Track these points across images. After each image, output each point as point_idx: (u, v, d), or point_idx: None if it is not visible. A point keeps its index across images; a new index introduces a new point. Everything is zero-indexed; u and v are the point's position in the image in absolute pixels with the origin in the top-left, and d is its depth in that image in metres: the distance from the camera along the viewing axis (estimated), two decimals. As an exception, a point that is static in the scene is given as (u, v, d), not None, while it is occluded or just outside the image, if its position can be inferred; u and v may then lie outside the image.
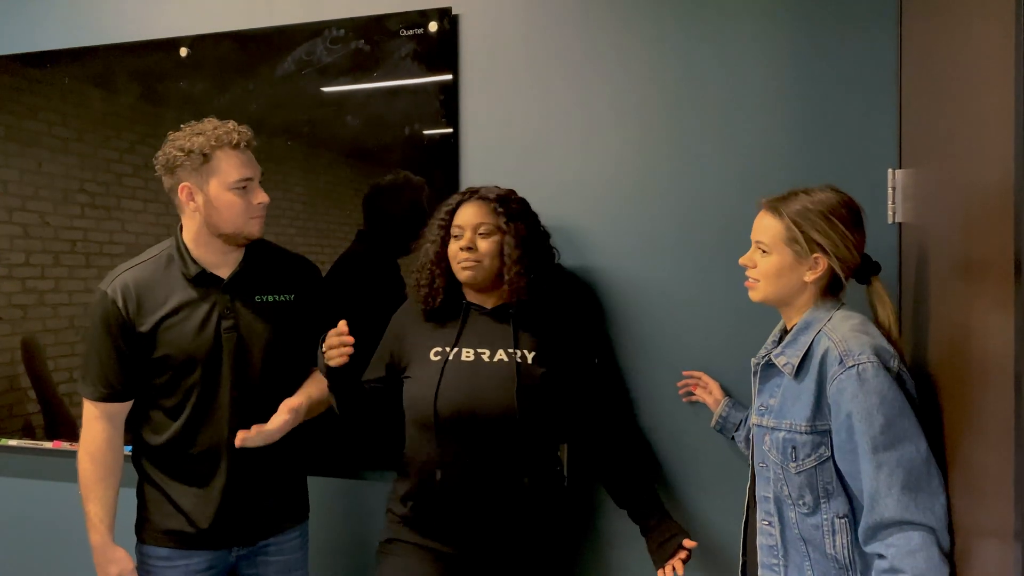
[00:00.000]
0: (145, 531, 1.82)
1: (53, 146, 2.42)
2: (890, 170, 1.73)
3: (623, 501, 1.83)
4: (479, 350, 1.76)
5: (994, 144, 1.02)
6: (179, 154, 1.71)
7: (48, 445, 2.42)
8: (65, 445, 2.40)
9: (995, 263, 1.02)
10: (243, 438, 1.68)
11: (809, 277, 1.43)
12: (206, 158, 1.70)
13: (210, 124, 1.74)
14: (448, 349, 1.76)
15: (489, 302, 1.81)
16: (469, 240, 1.74)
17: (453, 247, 1.77)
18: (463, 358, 1.75)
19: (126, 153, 2.35)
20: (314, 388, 1.85)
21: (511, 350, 1.75)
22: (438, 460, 1.72)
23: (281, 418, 1.72)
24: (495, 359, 1.74)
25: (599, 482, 1.90)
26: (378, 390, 1.85)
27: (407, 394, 1.79)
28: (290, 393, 1.82)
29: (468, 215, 1.77)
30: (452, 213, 1.80)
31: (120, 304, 1.73)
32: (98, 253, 2.37)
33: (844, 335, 1.36)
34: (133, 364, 1.76)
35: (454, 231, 1.77)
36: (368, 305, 2.11)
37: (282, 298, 1.82)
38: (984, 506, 1.10)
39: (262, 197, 1.75)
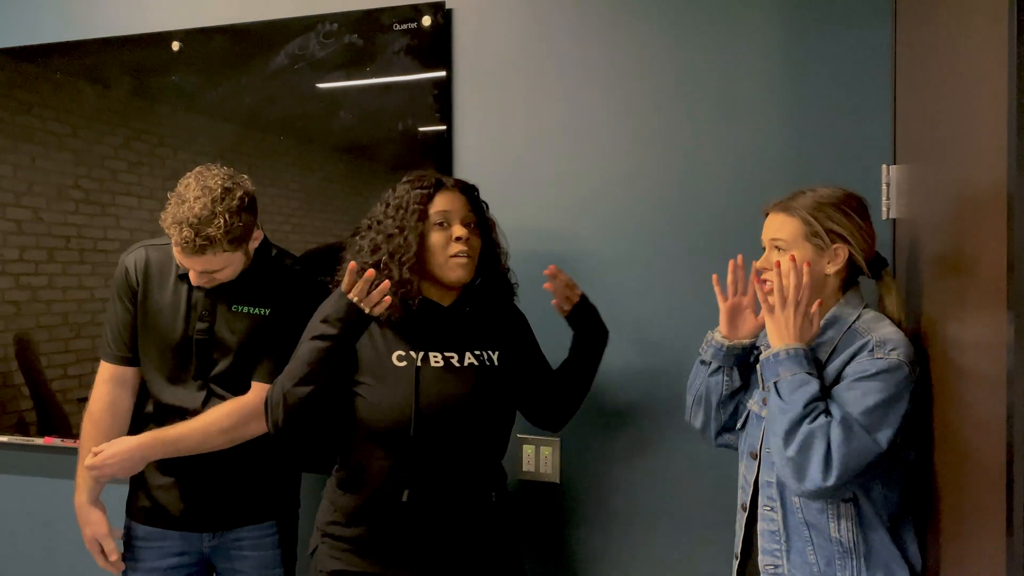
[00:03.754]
0: (130, 506, 1.90)
1: (47, 141, 2.41)
2: (884, 166, 1.73)
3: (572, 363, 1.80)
4: (446, 354, 1.63)
5: (987, 140, 1.02)
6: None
7: (40, 441, 2.41)
8: (57, 441, 2.39)
9: (987, 259, 1.02)
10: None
11: (831, 269, 1.44)
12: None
13: (178, 209, 1.66)
14: (414, 354, 1.61)
15: (447, 299, 1.68)
16: (463, 231, 1.62)
17: (439, 238, 1.62)
18: (432, 363, 1.62)
19: (121, 149, 2.34)
20: (178, 429, 1.77)
21: (477, 352, 1.65)
22: (406, 477, 1.58)
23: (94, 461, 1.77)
24: (465, 363, 1.64)
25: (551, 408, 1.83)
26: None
27: (367, 404, 1.60)
28: None
29: (454, 204, 1.64)
30: (428, 200, 1.63)
31: (132, 272, 1.85)
32: (92, 249, 2.36)
33: (886, 334, 1.37)
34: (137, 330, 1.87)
35: (435, 219, 1.62)
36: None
37: (256, 311, 1.81)
38: (975, 500, 1.10)
39: (194, 280, 1.76)
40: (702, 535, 1.91)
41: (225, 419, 1.77)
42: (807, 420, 1.32)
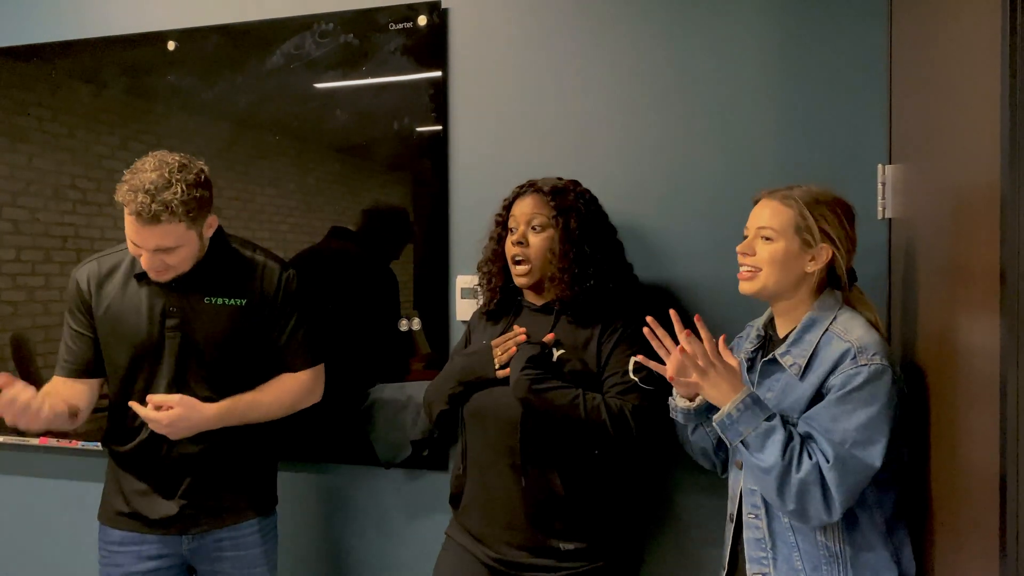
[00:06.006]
0: (102, 512, 1.87)
1: (43, 141, 2.41)
2: (880, 166, 1.73)
3: None
4: None
5: (981, 140, 1.02)
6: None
7: (35, 442, 2.41)
8: (52, 442, 2.39)
9: (981, 260, 1.02)
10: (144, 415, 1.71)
11: (810, 268, 1.43)
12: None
13: (134, 177, 1.65)
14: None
15: (540, 299, 1.76)
16: (521, 234, 1.70)
17: (508, 243, 1.74)
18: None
19: (118, 149, 2.34)
20: (249, 398, 1.81)
21: (562, 349, 1.69)
22: (468, 455, 1.75)
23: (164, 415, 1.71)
24: (554, 358, 1.69)
25: None
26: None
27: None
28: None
29: (522, 207, 1.73)
30: (509, 207, 1.76)
31: (84, 285, 1.82)
32: (89, 250, 2.36)
33: (861, 335, 1.36)
34: (94, 344, 1.82)
35: (510, 223, 1.74)
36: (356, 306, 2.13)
37: (232, 302, 1.79)
38: (969, 502, 1.09)
39: (145, 265, 1.70)
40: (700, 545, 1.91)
41: (287, 395, 1.85)
42: (793, 470, 1.30)
